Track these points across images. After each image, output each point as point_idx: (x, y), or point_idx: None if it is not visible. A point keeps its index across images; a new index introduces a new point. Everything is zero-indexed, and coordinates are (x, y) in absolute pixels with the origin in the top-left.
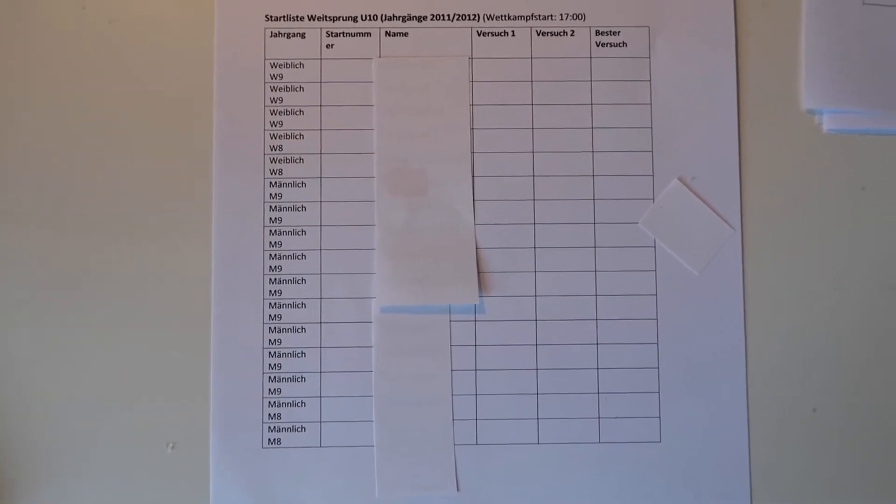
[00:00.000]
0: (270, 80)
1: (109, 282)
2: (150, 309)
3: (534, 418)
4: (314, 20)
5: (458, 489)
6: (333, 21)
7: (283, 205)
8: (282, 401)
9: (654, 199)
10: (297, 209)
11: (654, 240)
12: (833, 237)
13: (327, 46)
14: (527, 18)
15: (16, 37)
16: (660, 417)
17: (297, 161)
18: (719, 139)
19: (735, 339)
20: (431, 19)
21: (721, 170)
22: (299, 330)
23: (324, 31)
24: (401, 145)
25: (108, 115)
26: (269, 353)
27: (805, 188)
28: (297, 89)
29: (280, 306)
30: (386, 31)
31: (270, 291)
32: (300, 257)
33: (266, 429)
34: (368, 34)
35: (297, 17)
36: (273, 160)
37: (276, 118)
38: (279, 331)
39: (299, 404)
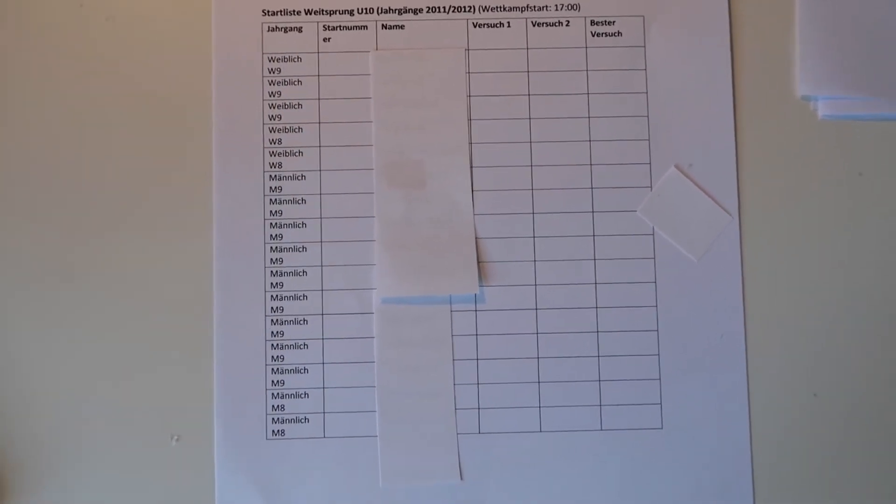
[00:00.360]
0: (268, 74)
1: (112, 276)
2: (152, 303)
3: (536, 406)
4: (311, 14)
5: (461, 478)
6: (330, 15)
7: (283, 198)
8: (285, 392)
9: (651, 187)
10: (297, 202)
11: (652, 227)
12: (830, 223)
13: (324, 40)
14: (522, 10)
15: (14, 34)
16: (661, 404)
17: (297, 154)
18: (715, 127)
19: (734, 325)
20: (427, 12)
21: (718, 157)
22: (301, 322)
23: (321, 25)
24: (399, 137)
25: (107, 110)
26: (272, 345)
27: (802, 175)
28: (296, 83)
29: (281, 298)
30: (382, 24)
31: (272, 284)
32: (301, 250)
33: (270, 420)
34: (365, 27)
35: (294, 11)
36: (272, 153)
37: (275, 112)
38: (281, 323)
39: (302, 395)
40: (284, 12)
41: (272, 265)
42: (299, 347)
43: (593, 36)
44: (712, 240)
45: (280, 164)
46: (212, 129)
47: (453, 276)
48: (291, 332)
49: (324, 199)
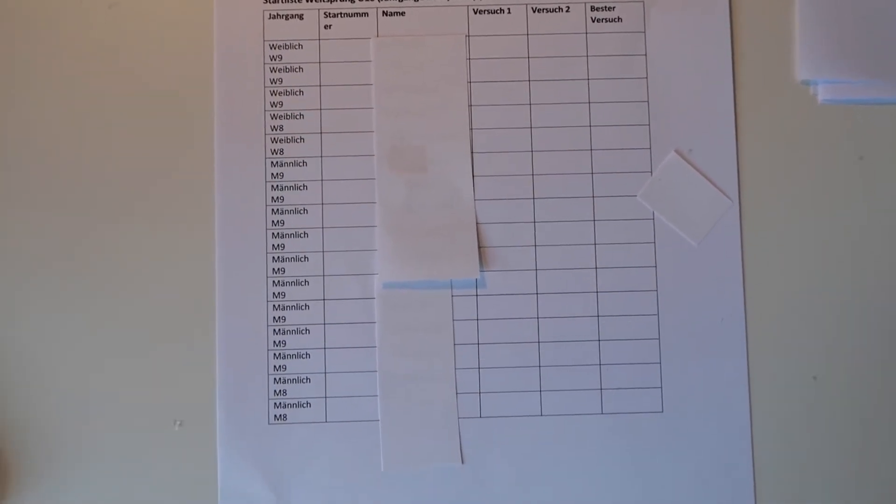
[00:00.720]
0: (270, 61)
1: (114, 263)
2: (155, 289)
3: (536, 391)
4: (312, 1)
5: (462, 462)
6: (331, 2)
7: (284, 184)
8: (287, 377)
9: (651, 171)
10: (299, 188)
11: (652, 212)
12: (831, 207)
13: (325, 27)
14: None
15: (16, 22)
16: (661, 388)
17: (298, 140)
18: (715, 111)
19: (735, 309)
20: None
21: (718, 142)
22: (303, 307)
23: (322, 13)
24: (400, 123)
25: (109, 97)
26: (274, 330)
27: (802, 158)
28: (297, 70)
29: (283, 284)
30: (383, 11)
31: (274, 269)
32: (302, 235)
33: (272, 405)
34: (366, 14)
35: None
36: (274, 140)
37: (277, 98)
38: (283, 308)
39: (304, 380)
40: None
41: (274, 251)
42: (301, 333)
43: (593, 21)
44: (712, 224)
45: (281, 151)
46: (213, 116)
47: (454, 261)
48: (293, 318)
49: (325, 185)
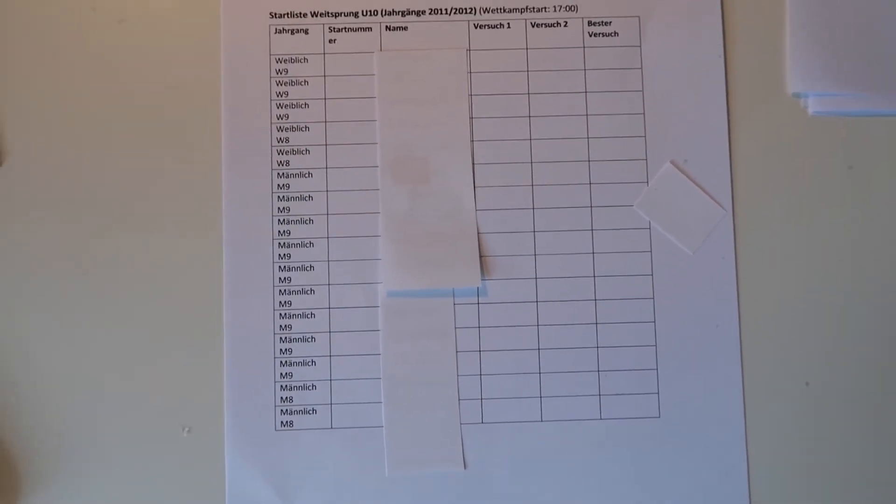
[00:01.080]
0: (276, 74)
1: (124, 271)
2: (164, 298)
3: (537, 397)
4: (317, 16)
5: (464, 467)
6: (335, 17)
7: (290, 195)
8: (293, 384)
9: (647, 182)
10: (304, 199)
11: (648, 222)
12: (822, 216)
13: (330, 41)
14: (521, 11)
15: (28, 37)
16: (658, 393)
17: (304, 152)
18: (709, 123)
19: (729, 316)
20: (430, 13)
21: (711, 153)
22: (309, 315)
23: (326, 27)
24: (403, 135)
25: (119, 110)
26: (280, 338)
27: (793, 169)
28: (302, 83)
29: (290, 293)
30: (386, 26)
31: (280, 279)
32: (308, 245)
33: (278, 412)
34: (369, 29)
35: (301, 13)
36: (280, 152)
37: (282, 111)
38: (289, 317)
39: (310, 388)
40: (291, 14)
41: (280, 260)
42: (307, 340)
43: (590, 36)
44: (707, 233)
45: (287, 163)
46: (221, 129)
47: (456, 270)
48: (299, 326)
49: (330, 196)
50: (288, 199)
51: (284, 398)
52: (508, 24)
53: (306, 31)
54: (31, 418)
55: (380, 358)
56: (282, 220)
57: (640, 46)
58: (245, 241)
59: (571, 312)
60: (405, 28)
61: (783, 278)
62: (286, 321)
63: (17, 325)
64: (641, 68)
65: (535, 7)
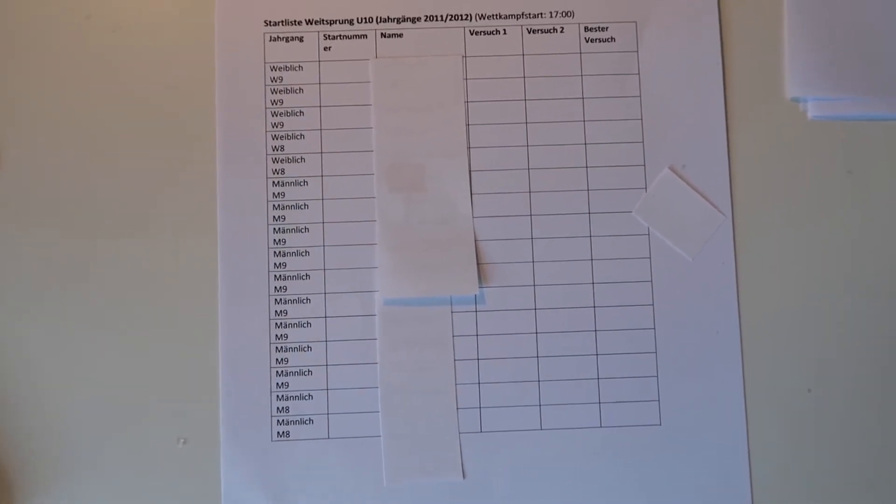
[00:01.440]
0: (271, 82)
1: (118, 281)
2: (160, 308)
3: (536, 405)
4: (312, 24)
5: (463, 476)
6: (330, 24)
7: (285, 203)
8: (289, 394)
9: (646, 188)
10: (300, 207)
11: (647, 228)
12: (821, 220)
13: (325, 49)
14: (518, 17)
15: (25, 45)
16: (659, 401)
17: (299, 160)
18: (707, 128)
19: (729, 322)
20: (425, 20)
21: (710, 158)
22: (304, 325)
23: (321, 34)
24: (399, 142)
25: (114, 117)
26: (276, 348)
27: (792, 174)
28: (297, 91)
29: (285, 302)
30: (381, 33)
31: (275, 288)
32: (304, 254)
33: (275, 422)
34: (365, 36)
35: (296, 21)
36: (275, 160)
37: (278, 119)
38: (285, 326)
39: (306, 397)
40: (286, 22)
41: (276, 269)
42: (303, 350)
43: (587, 42)
44: (706, 239)
45: (283, 171)
46: (216, 138)
47: (454, 278)
48: (295, 335)
49: (326, 204)
50: (283, 208)
51: (280, 408)
52: (504, 30)
53: (301, 39)
54: (27, 429)
55: (377, 367)
56: (277, 228)
57: (638, 52)
58: (241, 250)
59: (570, 320)
60: (401, 35)
61: (783, 284)
62: (282, 331)
63: (13, 336)
64: (639, 74)
65: (531, 13)
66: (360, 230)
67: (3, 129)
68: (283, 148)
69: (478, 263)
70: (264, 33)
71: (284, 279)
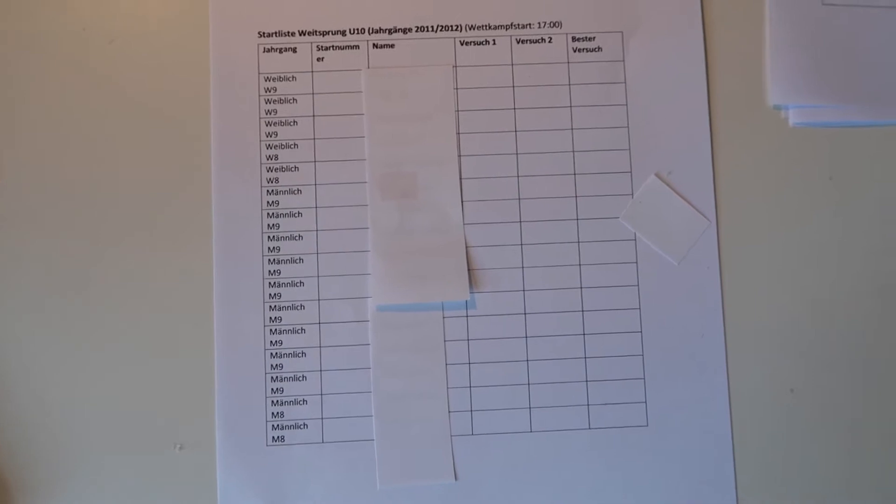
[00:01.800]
0: (265, 93)
1: (116, 289)
2: (155, 315)
3: (526, 407)
4: (305, 35)
5: (455, 478)
6: (323, 35)
7: (280, 211)
8: (284, 399)
9: (633, 194)
10: (294, 215)
11: (634, 233)
12: (804, 225)
13: (318, 59)
14: (507, 27)
15: (21, 56)
16: (646, 402)
17: (293, 169)
18: (692, 136)
19: (714, 325)
20: (416, 31)
21: (695, 165)
22: (299, 331)
23: (314, 46)
24: (391, 151)
25: (111, 128)
26: (271, 353)
27: (775, 179)
28: (291, 101)
29: (280, 309)
30: (373, 44)
31: (270, 295)
32: (298, 261)
33: (270, 427)
34: (357, 47)
35: (289, 32)
36: (269, 169)
37: (272, 129)
38: (280, 332)
39: (301, 402)
40: (279, 34)
41: (270, 276)
42: (297, 356)
43: (575, 51)
44: (692, 244)
45: (277, 180)
46: (211, 147)
47: (445, 284)
48: (290, 341)
49: (319, 212)
50: (278, 216)
51: (276, 413)
52: (494, 40)
53: (294, 50)
54: (26, 436)
55: (370, 372)
56: (272, 236)
57: (624, 61)
58: (235, 257)
59: (559, 324)
60: (392, 46)
61: (767, 287)
62: (277, 337)
63: (12, 344)
64: (625, 82)
65: (520, 23)
66: (354, 237)
67: (2, 139)
68: (277, 157)
69: (469, 269)
70: (258, 44)
71: (279, 286)
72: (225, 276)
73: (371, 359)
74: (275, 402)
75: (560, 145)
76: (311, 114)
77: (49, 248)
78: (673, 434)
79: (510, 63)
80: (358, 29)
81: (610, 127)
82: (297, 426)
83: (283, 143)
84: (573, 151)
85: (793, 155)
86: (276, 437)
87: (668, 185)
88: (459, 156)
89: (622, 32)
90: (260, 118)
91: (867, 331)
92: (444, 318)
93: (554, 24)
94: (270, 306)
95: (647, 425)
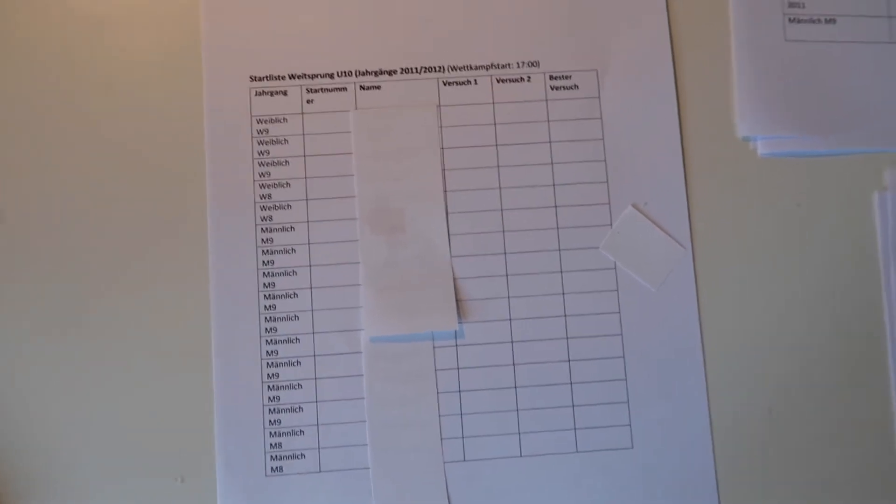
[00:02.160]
0: (257, 134)
1: (114, 326)
2: (154, 351)
3: (515, 433)
4: (295, 78)
5: (449, 503)
6: (312, 78)
7: (274, 248)
8: (282, 430)
9: (611, 225)
10: (288, 252)
11: (614, 262)
12: (775, 250)
13: (307, 102)
14: (487, 68)
15: (13, 100)
16: (630, 425)
17: (285, 207)
18: (666, 167)
19: (693, 348)
20: (401, 73)
21: (670, 195)
22: (295, 363)
23: (304, 88)
24: (379, 188)
25: (108, 170)
26: (268, 386)
27: (746, 207)
28: (282, 142)
29: (276, 342)
30: (360, 86)
31: (266, 329)
32: (292, 296)
33: (268, 458)
34: (345, 89)
35: (279, 76)
36: (263, 208)
37: (264, 169)
38: (276, 365)
39: (298, 433)
40: (270, 77)
41: (266, 311)
42: (294, 388)
43: (552, 89)
44: (669, 271)
45: (270, 217)
46: (206, 187)
47: (434, 315)
48: (286, 374)
49: (312, 248)
50: (272, 253)
51: (274, 444)
52: (475, 80)
53: (285, 93)
54: (25, 470)
55: (364, 402)
56: (266, 272)
57: (599, 98)
58: (231, 293)
59: (545, 351)
60: (378, 87)
61: (742, 311)
62: (273, 370)
63: (10, 379)
64: (601, 118)
65: (500, 63)
66: (345, 272)
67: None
68: (270, 196)
69: (457, 300)
70: (250, 88)
71: (275, 320)
72: (222, 312)
73: (365, 389)
74: (273, 433)
75: (541, 179)
76: (303, 153)
77: (49, 283)
78: (657, 455)
79: (491, 101)
80: (346, 72)
81: (588, 161)
82: (294, 456)
83: (276, 182)
84: (553, 185)
85: (762, 184)
86: (274, 468)
87: (645, 215)
88: (445, 191)
89: (597, 71)
90: (253, 159)
91: (838, 350)
92: (434, 347)
93: (532, 64)
94: (267, 340)
95: (632, 447)
